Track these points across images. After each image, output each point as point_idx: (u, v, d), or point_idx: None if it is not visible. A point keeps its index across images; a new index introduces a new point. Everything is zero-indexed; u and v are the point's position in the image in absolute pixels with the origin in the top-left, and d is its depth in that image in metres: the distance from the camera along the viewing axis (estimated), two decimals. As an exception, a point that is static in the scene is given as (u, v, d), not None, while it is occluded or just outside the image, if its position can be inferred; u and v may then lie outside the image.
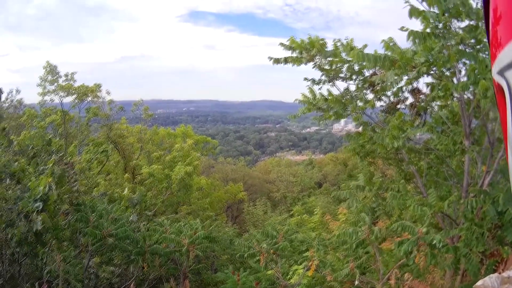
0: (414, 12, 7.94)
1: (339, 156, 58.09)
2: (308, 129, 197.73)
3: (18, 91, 34.78)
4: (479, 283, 4.69)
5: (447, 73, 9.29)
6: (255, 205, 37.34)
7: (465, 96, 9.58)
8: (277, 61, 11.43)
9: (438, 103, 10.88)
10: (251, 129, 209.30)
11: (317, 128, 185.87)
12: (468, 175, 9.97)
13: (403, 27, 8.22)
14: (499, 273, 4.70)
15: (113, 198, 17.87)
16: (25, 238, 10.75)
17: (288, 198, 47.23)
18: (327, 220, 22.12)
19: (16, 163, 12.19)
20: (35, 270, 11.92)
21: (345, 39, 11.18)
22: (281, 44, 11.29)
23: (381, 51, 9.51)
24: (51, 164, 11.31)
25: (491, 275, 4.82)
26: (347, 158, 51.02)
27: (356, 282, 9.85)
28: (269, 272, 12.98)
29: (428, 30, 8.14)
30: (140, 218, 16.20)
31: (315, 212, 25.05)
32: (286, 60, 11.38)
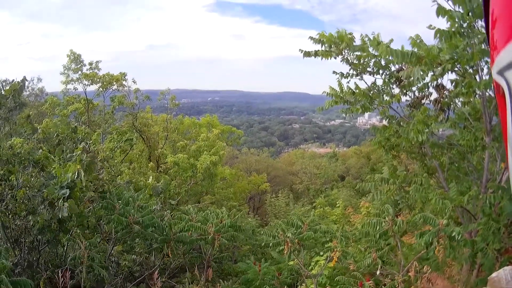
0: (441, 11, 8.12)
1: (362, 150, 57.66)
2: (332, 122, 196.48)
3: (39, 79, 35.20)
4: (494, 275, 4.86)
5: (470, 71, 9.42)
6: (278, 197, 37.13)
7: (487, 94, 9.71)
8: (307, 54, 11.55)
9: (461, 99, 11.00)
10: (276, 120, 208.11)
11: (341, 121, 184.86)
12: (488, 171, 10.12)
13: (430, 25, 8.40)
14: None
15: (138, 186, 18.12)
16: (48, 225, 10.77)
17: (311, 190, 47.05)
18: (349, 213, 22.22)
19: (40, 150, 12.25)
20: (55, 258, 11.99)
21: (372, 33, 11.30)
22: (310, 37, 11.41)
23: (408, 46, 9.69)
24: (79, 151, 11.38)
25: (505, 267, 4.99)
26: (371, 152, 50.77)
27: (378, 272, 10.03)
28: (291, 262, 13.11)
29: (453, 28, 8.30)
30: (163, 207, 16.34)
31: (337, 205, 25.04)
32: (316, 54, 11.50)
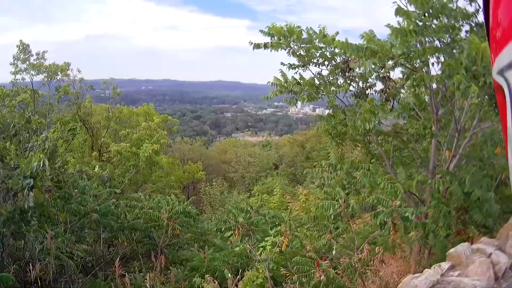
0: (400, 11, 8.59)
1: (297, 138, 58.05)
2: (264, 111, 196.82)
3: (-12, 71, 34.47)
4: (452, 250, 5.40)
5: (419, 65, 9.96)
6: (212, 185, 37.37)
7: (434, 86, 10.31)
8: (257, 46, 11.82)
9: (406, 90, 11.60)
10: (208, 109, 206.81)
11: (273, 109, 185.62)
12: (435, 158, 10.73)
13: (389, 24, 8.90)
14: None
15: (89, 175, 17.98)
16: (11, 217, 10.56)
17: (246, 179, 47.43)
18: (287, 200, 22.61)
19: None
20: (17, 251, 11.83)
21: (318, 27, 11.71)
22: (261, 31, 11.64)
23: (351, 38, 10.18)
24: (41, 140, 11.33)
25: (463, 243, 5.54)
26: (305, 141, 51.44)
27: (333, 253, 10.49)
28: (237, 248, 13.38)
29: (410, 27, 8.79)
30: (109, 195, 16.39)
31: (275, 193, 25.44)
32: (265, 46, 11.86)
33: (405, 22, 8.74)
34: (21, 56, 27.35)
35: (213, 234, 15.37)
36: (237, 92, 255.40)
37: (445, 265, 5.06)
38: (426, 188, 10.41)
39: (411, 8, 8.66)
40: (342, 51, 10.57)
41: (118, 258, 12.11)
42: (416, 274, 5.00)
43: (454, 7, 8.86)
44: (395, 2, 8.61)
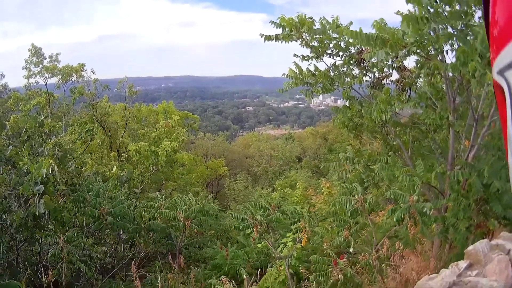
0: (410, -2, 8.33)
1: (319, 130, 57.74)
2: (286, 104, 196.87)
3: (2, 76, 34.71)
4: (470, 248, 5.16)
5: (434, 53, 9.66)
6: (236, 180, 37.30)
7: (450, 74, 10.00)
8: (268, 38, 11.71)
9: (423, 79, 11.29)
10: (230, 104, 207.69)
11: (295, 102, 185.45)
12: (454, 149, 10.42)
13: (398, 11, 8.59)
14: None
15: (105, 177, 18.03)
16: (24, 223, 10.65)
17: (269, 173, 47.20)
18: (310, 194, 22.37)
19: (10, 147, 12.14)
20: (32, 256, 11.91)
21: (331, 17, 11.47)
22: (272, 22, 11.50)
23: (366, 28, 9.89)
24: (51, 146, 11.32)
25: (481, 240, 5.29)
26: (327, 132, 51.12)
27: (351, 250, 10.26)
28: (259, 245, 13.26)
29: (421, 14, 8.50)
30: (129, 196, 16.32)
31: (298, 186, 25.22)
32: (277, 38, 11.67)
33: (417, 9, 8.46)
34: (34, 60, 27.28)
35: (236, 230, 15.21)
36: (258, 86, 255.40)
37: (462, 263, 4.85)
38: (445, 179, 10.10)
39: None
40: (356, 41, 10.27)
41: (136, 259, 12.14)
42: (432, 275, 4.79)
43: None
44: None
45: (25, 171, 11.39)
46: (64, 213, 12.10)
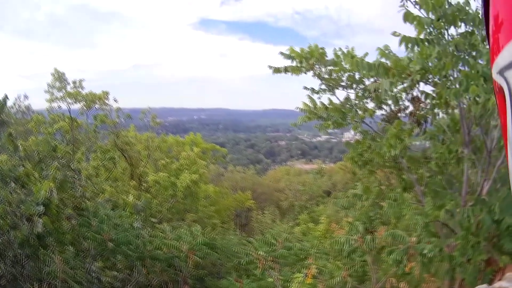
0: (408, 17, 7.95)
1: (348, 165, 57.61)
2: (318, 138, 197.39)
3: (26, 97, 35.32)
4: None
5: (441, 81, 9.26)
6: (264, 213, 37.51)
7: (464, 105, 9.57)
8: (277, 70, 11.47)
9: (440, 111, 10.91)
10: (262, 137, 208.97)
11: (327, 137, 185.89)
12: (467, 184, 9.95)
13: (395, 32, 8.23)
14: (490, 284, 4.72)
15: (117, 204, 18.02)
16: (27, 240, 10.83)
17: (295, 207, 47.22)
18: (333, 229, 22.19)
19: (21, 167, 12.35)
20: (37, 272, 12.07)
21: (346, 47, 11.19)
22: (281, 53, 11.31)
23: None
24: (53, 170, 11.49)
25: (480, 286, 4.81)
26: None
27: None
28: (270, 279, 13.01)
29: (422, 36, 8.15)
30: (145, 225, 16.35)
31: (321, 221, 25.13)
32: (286, 69, 11.40)
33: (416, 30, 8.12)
34: (56, 84, 27.49)
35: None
36: (291, 120, 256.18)
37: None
38: (457, 217, 9.65)
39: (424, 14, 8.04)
40: (365, 70, 9.93)
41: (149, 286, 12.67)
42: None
43: (471, 11, 8.16)
44: (403, 6, 7.99)
45: (32, 191, 11.59)
46: (66, 235, 12.34)
